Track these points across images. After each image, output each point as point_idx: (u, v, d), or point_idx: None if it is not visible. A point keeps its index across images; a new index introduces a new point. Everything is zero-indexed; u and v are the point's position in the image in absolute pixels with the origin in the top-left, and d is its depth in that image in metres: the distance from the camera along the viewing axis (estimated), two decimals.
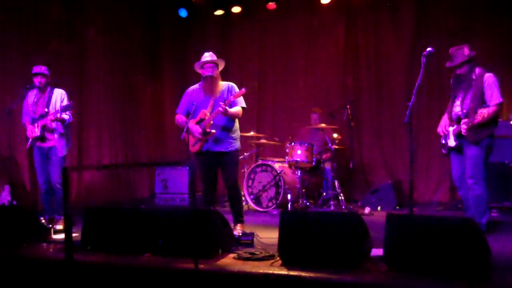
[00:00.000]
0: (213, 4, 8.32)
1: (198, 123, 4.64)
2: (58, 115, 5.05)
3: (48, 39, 6.74)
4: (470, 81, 4.41)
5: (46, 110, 5.15)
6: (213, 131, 4.58)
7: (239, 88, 4.69)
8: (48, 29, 6.77)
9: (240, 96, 4.60)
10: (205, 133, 4.59)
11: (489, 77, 4.33)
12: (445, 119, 4.64)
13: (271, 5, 7.99)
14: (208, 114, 4.61)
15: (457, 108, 4.48)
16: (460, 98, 4.49)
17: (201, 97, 4.72)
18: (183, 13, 8.37)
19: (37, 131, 5.13)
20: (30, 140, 5.18)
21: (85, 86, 7.28)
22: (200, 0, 8.41)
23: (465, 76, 4.45)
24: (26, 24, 6.50)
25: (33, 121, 5.19)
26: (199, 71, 4.81)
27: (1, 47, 6.29)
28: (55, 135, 5.20)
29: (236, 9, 8.21)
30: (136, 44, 8.22)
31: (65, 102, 5.19)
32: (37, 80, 5.20)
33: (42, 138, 5.17)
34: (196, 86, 4.87)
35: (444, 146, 4.59)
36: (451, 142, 4.49)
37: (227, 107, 4.45)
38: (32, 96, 5.30)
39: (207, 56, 4.78)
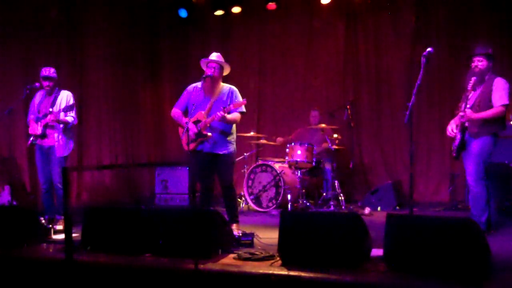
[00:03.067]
0: (213, 4, 8.32)
1: (194, 123, 4.66)
2: (62, 114, 5.08)
3: (48, 39, 6.74)
4: (483, 81, 4.44)
5: (50, 109, 5.17)
6: (209, 134, 4.59)
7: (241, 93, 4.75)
8: (48, 29, 6.77)
9: (240, 106, 4.59)
10: (200, 135, 4.61)
11: (499, 80, 4.38)
12: (451, 123, 4.64)
13: (271, 5, 7.98)
14: (206, 116, 4.62)
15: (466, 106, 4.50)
16: (469, 96, 4.49)
17: (201, 97, 4.72)
18: (183, 13, 8.36)
19: (39, 129, 5.15)
20: (31, 137, 5.19)
21: (85, 86, 7.28)
22: (200, 0, 8.42)
23: (481, 72, 4.45)
24: (26, 24, 6.50)
25: (37, 120, 5.22)
26: (204, 68, 4.81)
27: (1, 47, 6.29)
28: (56, 134, 5.21)
29: (236, 9, 8.20)
30: (136, 44, 8.21)
31: (65, 103, 5.21)
32: (45, 84, 5.24)
33: (43, 135, 5.18)
34: (197, 84, 4.83)
35: (453, 150, 4.58)
36: (457, 140, 4.49)
37: (225, 114, 4.47)
38: (39, 96, 5.35)
39: (214, 56, 4.78)
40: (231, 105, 4.50)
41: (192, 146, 4.67)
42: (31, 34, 6.55)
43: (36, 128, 5.17)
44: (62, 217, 5.12)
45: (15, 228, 4.16)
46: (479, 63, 4.46)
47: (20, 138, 6.31)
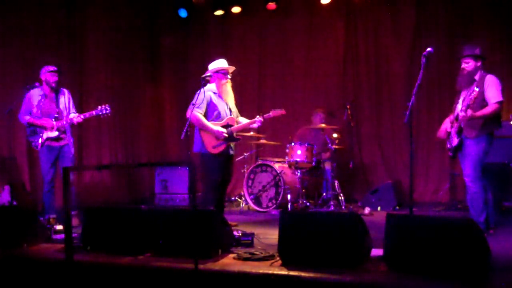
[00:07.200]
0: (213, 4, 8.32)
1: (224, 127, 4.97)
2: (79, 118, 5.29)
3: (48, 39, 6.73)
4: (472, 81, 4.44)
5: (57, 110, 5.32)
6: (239, 137, 5.08)
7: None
8: (48, 29, 6.77)
9: (279, 115, 5.14)
10: (233, 139, 4.99)
11: (490, 77, 4.38)
12: (446, 122, 4.66)
13: (271, 5, 7.99)
14: (236, 121, 5.08)
15: (459, 107, 4.51)
16: (462, 97, 4.51)
17: (221, 102, 5.02)
18: (183, 13, 8.36)
19: (54, 132, 5.28)
20: (44, 138, 5.28)
21: (85, 86, 7.27)
22: (200, 0, 8.41)
23: (468, 74, 4.47)
24: (26, 24, 6.49)
25: (50, 119, 5.31)
26: (215, 73, 5.01)
27: (1, 47, 6.28)
28: (67, 133, 5.39)
29: (236, 9, 8.21)
30: (136, 44, 8.21)
31: (71, 102, 5.46)
32: (53, 79, 5.32)
33: (58, 138, 5.32)
34: (210, 88, 5.03)
35: (450, 149, 4.61)
36: (454, 141, 4.51)
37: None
38: (35, 95, 5.35)
39: (227, 63, 5.08)
40: (270, 113, 5.06)
41: (222, 148, 4.92)
42: (31, 33, 6.54)
43: (49, 129, 5.27)
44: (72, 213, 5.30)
45: (15, 228, 4.16)
46: (466, 64, 4.48)
47: (21, 138, 6.30)
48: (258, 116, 5.07)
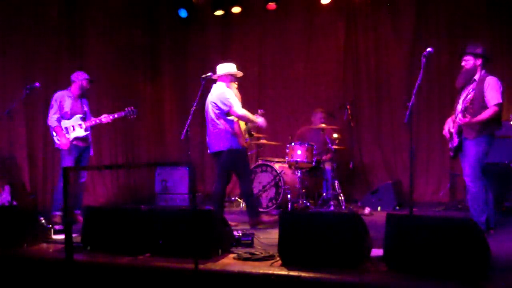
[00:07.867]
0: (213, 4, 8.32)
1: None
2: (109, 118, 5.70)
3: (48, 39, 6.73)
4: (471, 80, 4.43)
5: (83, 111, 5.70)
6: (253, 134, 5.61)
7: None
8: (48, 28, 6.76)
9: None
10: (251, 134, 5.60)
11: (491, 79, 4.35)
12: (449, 121, 4.65)
13: (271, 5, 7.99)
14: None
15: (459, 107, 4.50)
16: (462, 97, 4.51)
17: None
18: (183, 13, 8.36)
19: (83, 132, 5.63)
20: (72, 137, 5.55)
21: None
22: (200, 0, 8.42)
23: (467, 71, 4.46)
24: (26, 24, 6.49)
25: (74, 121, 5.60)
26: (230, 76, 5.30)
27: (1, 47, 6.28)
28: (89, 134, 5.76)
29: (236, 9, 8.21)
30: (136, 44, 8.21)
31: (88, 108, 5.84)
32: (88, 86, 5.75)
33: (84, 139, 5.67)
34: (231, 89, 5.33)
35: (451, 149, 4.61)
36: (455, 142, 4.51)
37: None
38: (65, 97, 5.63)
39: (236, 67, 5.37)
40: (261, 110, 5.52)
41: (247, 142, 5.37)
42: (31, 33, 6.54)
43: (79, 131, 5.59)
44: (79, 211, 5.56)
45: (15, 228, 4.16)
46: (466, 62, 4.47)
47: (21, 138, 6.30)
48: (259, 112, 5.52)
